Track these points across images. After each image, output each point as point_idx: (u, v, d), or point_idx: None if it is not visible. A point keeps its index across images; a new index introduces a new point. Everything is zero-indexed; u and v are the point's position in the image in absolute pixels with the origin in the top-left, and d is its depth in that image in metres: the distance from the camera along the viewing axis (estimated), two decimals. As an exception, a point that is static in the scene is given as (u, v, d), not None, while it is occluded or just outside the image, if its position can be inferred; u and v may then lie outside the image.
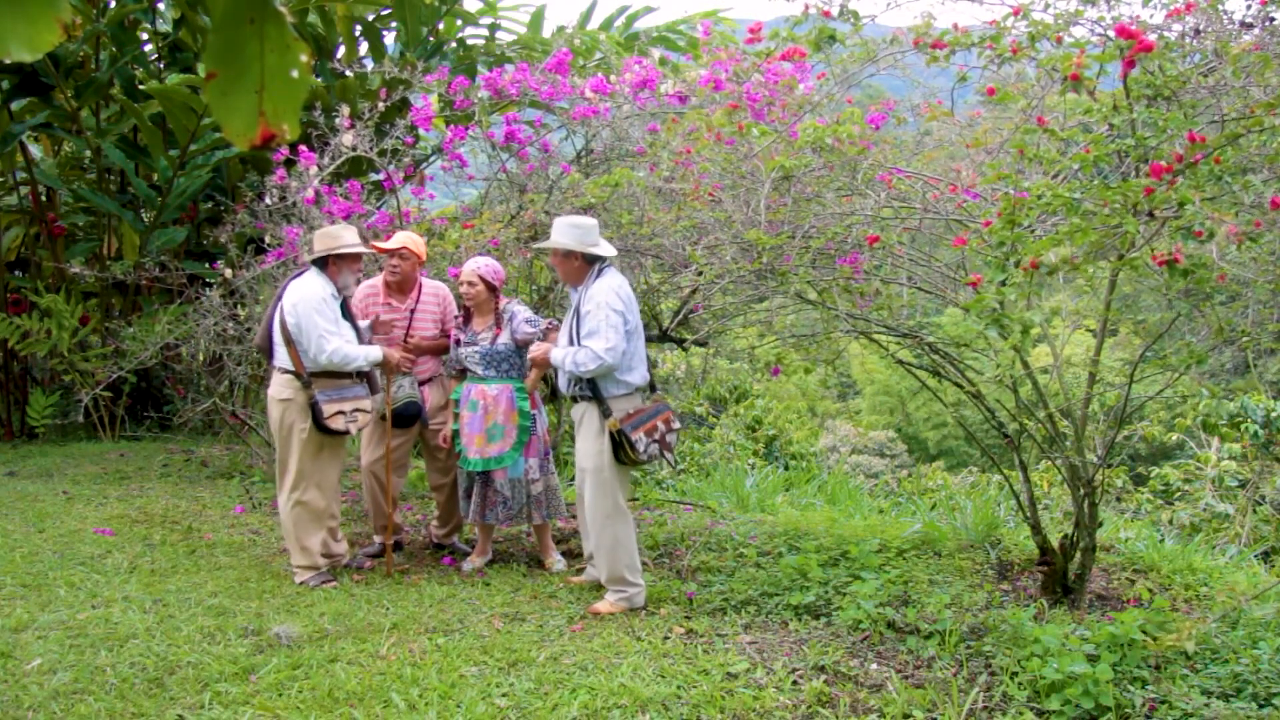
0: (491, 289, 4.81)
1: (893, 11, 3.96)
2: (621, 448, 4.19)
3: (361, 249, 4.66)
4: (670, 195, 5.33)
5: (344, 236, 4.60)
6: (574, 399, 4.37)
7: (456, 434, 4.83)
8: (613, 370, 4.18)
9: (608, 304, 4.14)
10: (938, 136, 5.60)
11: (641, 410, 4.27)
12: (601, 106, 6.20)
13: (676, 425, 4.45)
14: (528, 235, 5.88)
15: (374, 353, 4.63)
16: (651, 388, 4.48)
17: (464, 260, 5.59)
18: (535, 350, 4.43)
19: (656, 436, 4.28)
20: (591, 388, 4.24)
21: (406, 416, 4.87)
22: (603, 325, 4.11)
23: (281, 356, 4.57)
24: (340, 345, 4.49)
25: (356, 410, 4.60)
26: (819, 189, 4.76)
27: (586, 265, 4.30)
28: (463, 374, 4.92)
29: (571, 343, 4.25)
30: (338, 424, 4.51)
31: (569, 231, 4.25)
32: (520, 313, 4.82)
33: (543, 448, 4.88)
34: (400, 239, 4.99)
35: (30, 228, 9.56)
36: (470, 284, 4.77)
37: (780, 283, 4.65)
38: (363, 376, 4.71)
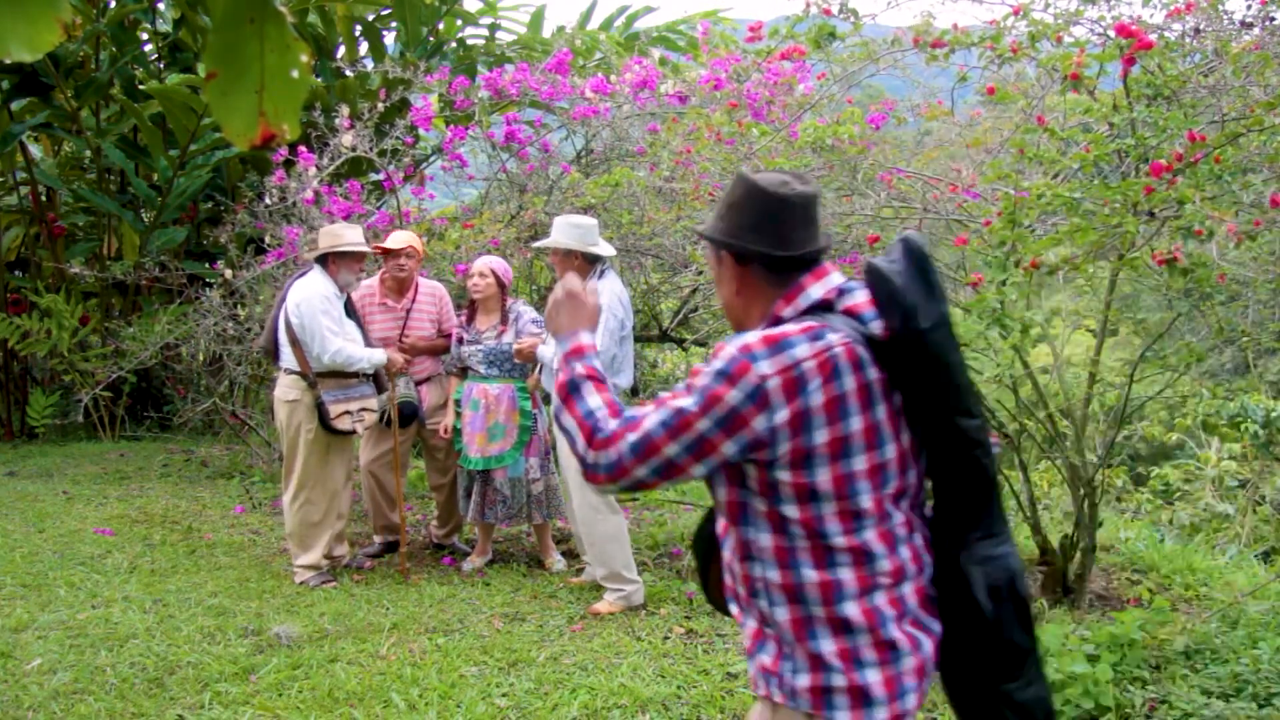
0: (501, 286, 4.83)
1: (893, 11, 3.97)
2: None
3: (364, 248, 4.66)
4: (670, 195, 5.33)
5: (345, 235, 4.60)
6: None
7: (458, 432, 4.83)
8: None
9: (608, 308, 4.15)
10: (938, 136, 5.60)
11: None
12: (601, 106, 6.20)
13: None
14: (528, 235, 5.88)
15: (377, 356, 4.64)
16: (634, 391, 4.49)
17: (465, 259, 5.59)
18: (523, 343, 4.46)
19: None
20: None
21: (402, 416, 4.88)
22: (600, 328, 4.11)
23: (287, 357, 4.57)
24: (344, 346, 4.49)
25: (363, 410, 4.60)
26: (819, 189, 4.76)
27: (587, 265, 4.30)
28: (464, 372, 4.92)
29: None
30: (344, 424, 4.52)
31: (570, 231, 4.25)
32: (527, 313, 4.83)
33: (543, 447, 4.89)
34: (404, 238, 4.97)
35: (30, 228, 9.56)
36: (482, 275, 4.77)
37: (780, 282, 4.64)
38: (369, 376, 4.71)
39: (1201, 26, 3.56)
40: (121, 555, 4.96)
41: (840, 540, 1.54)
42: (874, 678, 1.54)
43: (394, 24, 9.09)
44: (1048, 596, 4.43)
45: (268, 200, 6.38)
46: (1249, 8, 3.57)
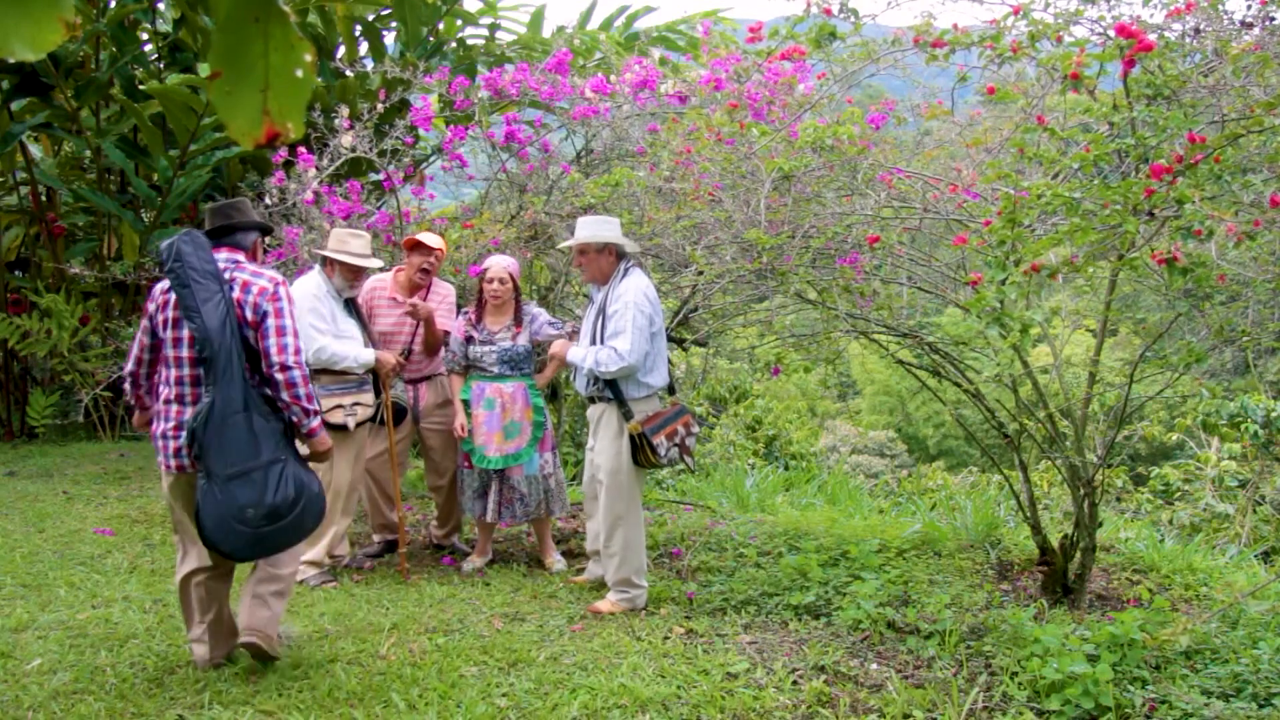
0: (516, 288, 4.87)
1: (893, 11, 3.97)
2: (641, 450, 4.16)
3: (364, 263, 4.62)
4: (670, 195, 5.33)
5: (352, 245, 4.59)
6: (591, 400, 4.36)
7: (469, 433, 4.84)
8: (634, 372, 4.16)
9: (635, 304, 4.13)
10: (938, 136, 5.60)
11: (662, 413, 4.25)
12: (601, 106, 6.20)
13: (696, 429, 4.45)
14: (528, 235, 5.88)
15: (365, 356, 4.62)
16: (670, 389, 4.47)
17: (466, 259, 5.57)
18: (556, 347, 4.46)
19: (677, 440, 4.26)
20: (612, 389, 4.21)
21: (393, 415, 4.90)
22: (628, 326, 4.09)
23: None
24: (329, 344, 4.50)
25: (356, 405, 4.61)
26: (819, 189, 4.76)
27: (615, 261, 4.29)
28: (466, 371, 4.92)
29: (594, 342, 4.24)
30: (336, 418, 4.53)
31: (602, 227, 4.25)
32: (541, 315, 4.91)
33: (553, 442, 4.96)
34: (438, 240, 5.03)
35: (30, 228, 9.56)
36: (502, 281, 4.81)
37: (780, 283, 4.65)
38: (369, 374, 4.71)
39: (1201, 26, 3.56)
40: (121, 555, 4.96)
41: (161, 369, 3.32)
42: (161, 445, 3.27)
43: (394, 24, 9.10)
44: (1048, 596, 4.43)
45: (268, 201, 6.37)
46: (1249, 8, 3.57)
